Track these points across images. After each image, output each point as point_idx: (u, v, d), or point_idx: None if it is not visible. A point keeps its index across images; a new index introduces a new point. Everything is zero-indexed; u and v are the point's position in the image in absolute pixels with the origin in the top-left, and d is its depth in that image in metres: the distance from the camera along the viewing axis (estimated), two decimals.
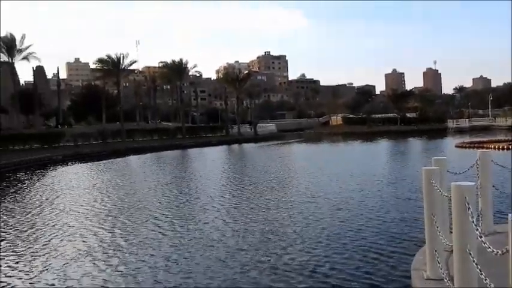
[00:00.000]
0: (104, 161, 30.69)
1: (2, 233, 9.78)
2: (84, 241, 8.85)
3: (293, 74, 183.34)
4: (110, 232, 9.57)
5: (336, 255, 7.31)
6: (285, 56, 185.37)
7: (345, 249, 7.64)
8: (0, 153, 32.48)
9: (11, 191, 17.40)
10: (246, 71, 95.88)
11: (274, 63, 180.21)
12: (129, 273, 6.83)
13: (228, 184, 17.11)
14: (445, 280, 4.33)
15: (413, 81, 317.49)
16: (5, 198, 15.21)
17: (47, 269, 7.13)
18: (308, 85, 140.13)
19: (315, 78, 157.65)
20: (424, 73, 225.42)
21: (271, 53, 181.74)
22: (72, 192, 16.18)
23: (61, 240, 9.05)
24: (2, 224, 10.81)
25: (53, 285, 6.46)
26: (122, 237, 9.07)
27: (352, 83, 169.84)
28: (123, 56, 57.26)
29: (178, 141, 53.14)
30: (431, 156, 4.63)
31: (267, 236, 8.70)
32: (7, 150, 34.96)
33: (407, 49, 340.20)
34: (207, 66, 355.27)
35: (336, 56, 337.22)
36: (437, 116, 72.21)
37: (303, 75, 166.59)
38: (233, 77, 71.97)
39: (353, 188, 14.44)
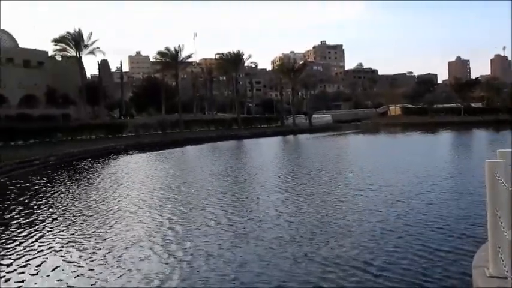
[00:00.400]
0: (163, 151, 31.83)
1: (71, 218, 10.44)
2: (143, 227, 9.24)
3: (350, 64, 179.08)
4: (168, 219, 9.92)
5: (392, 249, 7.13)
6: (341, 46, 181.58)
7: (401, 243, 7.43)
8: (69, 143, 34.71)
9: (78, 178, 18.53)
10: (301, 62, 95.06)
11: (330, 52, 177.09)
12: (184, 259, 7.07)
13: (283, 174, 17.14)
14: (509, 278, 4.10)
15: (480, 69, 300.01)
16: (72, 185, 16.22)
17: (109, 252, 7.55)
18: (365, 75, 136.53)
19: (373, 68, 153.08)
20: (491, 60, 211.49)
21: (327, 43, 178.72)
22: (133, 180, 16.92)
23: (123, 225, 9.53)
24: (70, 209, 11.54)
25: (112, 266, 6.82)
26: (179, 224, 9.38)
27: (412, 72, 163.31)
28: (180, 49, 58.86)
29: (234, 132, 53.93)
30: (497, 148, 4.35)
31: (322, 228, 8.65)
32: (76, 140, 37.27)
33: (473, 35, 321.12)
34: (262, 57, 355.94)
35: (395, 44, 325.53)
36: (505, 105, 67.61)
37: (360, 64, 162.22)
38: (288, 68, 71.65)
39: (412, 181, 13.96)
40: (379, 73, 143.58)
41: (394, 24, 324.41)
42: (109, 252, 7.50)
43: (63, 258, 7.35)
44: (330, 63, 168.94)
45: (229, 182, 15.65)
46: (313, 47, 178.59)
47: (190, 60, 75.86)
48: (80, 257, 7.34)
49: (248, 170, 19.26)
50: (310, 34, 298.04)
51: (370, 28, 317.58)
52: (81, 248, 7.81)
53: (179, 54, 58.67)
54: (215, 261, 6.92)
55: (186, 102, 74.07)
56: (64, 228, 9.42)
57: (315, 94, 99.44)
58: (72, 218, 10.33)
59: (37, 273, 6.64)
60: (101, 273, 6.55)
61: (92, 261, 7.11)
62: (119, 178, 17.69)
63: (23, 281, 6.36)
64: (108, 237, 8.51)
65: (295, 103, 74.97)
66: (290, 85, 73.08)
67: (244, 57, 67.62)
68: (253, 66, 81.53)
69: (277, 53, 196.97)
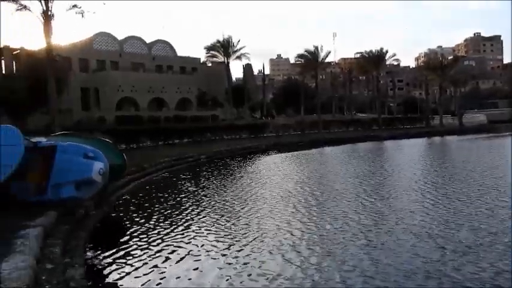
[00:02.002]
0: (301, 152, 32.46)
1: (211, 213, 11.38)
2: (278, 224, 9.58)
3: (509, 57, 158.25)
4: (306, 217, 10.14)
5: None
6: (499, 37, 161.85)
7: None
8: (217, 142, 37.80)
9: (225, 175, 20.03)
10: (450, 56, 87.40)
11: (485, 45, 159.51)
12: (328, 255, 7.19)
13: (428, 179, 16.04)
14: None
15: None
16: (220, 181, 17.61)
17: (246, 245, 8.05)
18: None
19: None
20: None
21: (481, 34, 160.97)
22: (273, 179, 17.60)
23: (260, 219, 10.08)
24: (213, 204, 12.58)
25: (246, 264, 7.25)
26: (317, 225, 9.52)
27: None
28: (320, 50, 59.24)
29: (374, 133, 52.26)
30: None
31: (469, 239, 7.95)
32: (223, 139, 40.44)
33: None
34: (405, 54, 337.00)
35: None
36: None
37: None
38: (436, 64, 66.72)
39: None
40: None
41: None
42: (246, 245, 8.00)
43: (211, 251, 8.07)
44: (485, 56, 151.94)
45: (370, 185, 15.25)
46: (465, 40, 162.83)
47: (329, 60, 75.84)
48: (225, 248, 7.98)
49: (391, 173, 18.50)
50: (460, 26, 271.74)
51: None
52: (219, 241, 8.49)
53: (319, 55, 59.12)
54: (364, 262, 6.88)
55: (325, 103, 74.23)
56: (215, 220, 10.32)
57: (466, 92, 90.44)
58: (212, 215, 11.22)
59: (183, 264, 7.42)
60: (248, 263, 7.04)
61: (238, 252, 7.67)
62: (260, 176, 18.60)
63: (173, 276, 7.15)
64: (248, 232, 9.06)
65: (443, 102, 69.29)
66: (437, 82, 67.89)
67: (387, 55, 64.97)
68: (396, 64, 77.57)
69: (422, 49, 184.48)
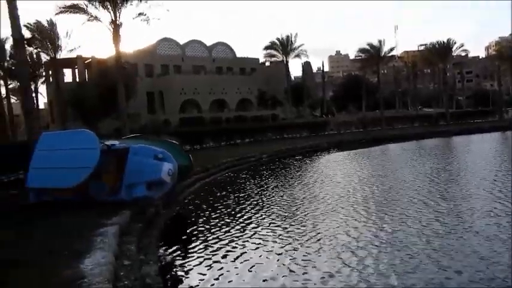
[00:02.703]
0: (364, 149, 31.69)
1: (270, 212, 11.42)
2: (335, 224, 9.42)
3: None
4: (365, 218, 9.89)
5: None
6: None
7: None
8: (278, 141, 37.92)
9: (288, 174, 20.03)
10: None
11: None
12: (385, 257, 6.99)
13: (502, 178, 15.00)
14: None
15: None
16: (277, 181, 17.64)
17: (304, 242, 8.00)
18: None
19: None
20: None
21: None
22: (332, 178, 17.32)
23: (317, 219, 9.98)
24: (273, 203, 12.62)
25: (300, 263, 7.19)
26: (376, 226, 9.24)
27: None
28: (382, 43, 57.50)
29: (441, 128, 49.83)
30: None
31: None
32: (283, 139, 40.52)
33: None
34: (474, 43, 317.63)
35: None
36: None
37: None
38: (509, 53, 62.23)
39: None
40: None
41: None
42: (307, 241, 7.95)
43: (276, 245, 8.11)
44: None
45: (436, 184, 14.55)
46: None
47: (391, 54, 73.41)
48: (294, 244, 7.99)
49: (461, 173, 17.56)
50: None
51: None
52: (293, 236, 8.50)
53: (381, 49, 57.40)
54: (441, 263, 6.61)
55: (388, 98, 71.89)
56: (273, 218, 10.38)
57: None
58: (274, 215, 11.26)
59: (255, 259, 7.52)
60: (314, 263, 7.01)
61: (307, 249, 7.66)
62: (322, 175, 18.42)
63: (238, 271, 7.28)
64: (312, 229, 9.00)
65: None
66: (510, 73, 63.41)
67: (455, 46, 61.64)
68: (464, 54, 73.34)
69: (492, 37, 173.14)
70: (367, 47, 58.35)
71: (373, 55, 57.97)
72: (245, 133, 39.29)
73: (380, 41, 57.43)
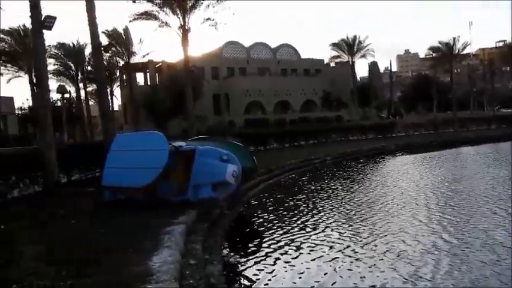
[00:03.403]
0: (435, 152, 30.17)
1: (332, 215, 11.20)
2: (393, 231, 9.02)
3: None
4: (427, 227, 9.37)
5: None
6: None
7: None
8: (343, 143, 37.27)
9: (352, 177, 19.61)
10: None
11: None
12: (444, 270, 6.59)
13: None
14: None
15: None
16: (340, 184, 17.30)
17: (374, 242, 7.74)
18: None
19: None
20: None
21: None
22: (397, 183, 16.66)
23: (375, 224, 9.61)
24: (335, 205, 12.39)
25: (353, 270, 6.95)
26: (437, 236, 8.66)
27: None
28: (455, 41, 54.60)
29: None
30: None
31: None
32: (348, 140, 39.73)
33: None
34: None
35: None
36: None
37: None
38: None
39: None
40: None
41: None
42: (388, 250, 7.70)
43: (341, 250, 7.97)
44: None
45: None
46: None
47: (465, 52, 69.45)
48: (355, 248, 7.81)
49: None
50: None
51: None
52: (357, 240, 8.31)
53: (454, 46, 54.50)
54: None
55: (461, 98, 68.00)
56: (334, 221, 10.20)
57: None
58: (342, 215, 11.04)
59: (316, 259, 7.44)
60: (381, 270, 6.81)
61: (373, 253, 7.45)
62: (388, 179, 17.81)
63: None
64: (385, 234, 8.72)
65: None
66: None
67: None
68: None
69: None
70: (439, 45, 55.70)
71: (445, 53, 55.23)
72: (309, 135, 38.98)
73: (453, 38, 54.57)
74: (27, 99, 47.25)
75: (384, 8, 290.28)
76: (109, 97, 39.59)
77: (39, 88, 15.42)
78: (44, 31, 14.60)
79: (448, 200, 12.61)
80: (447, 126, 50.22)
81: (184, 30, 27.41)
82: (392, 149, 33.90)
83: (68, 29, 61.01)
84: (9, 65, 40.92)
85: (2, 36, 39.45)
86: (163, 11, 27.48)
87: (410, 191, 14.47)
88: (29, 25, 17.99)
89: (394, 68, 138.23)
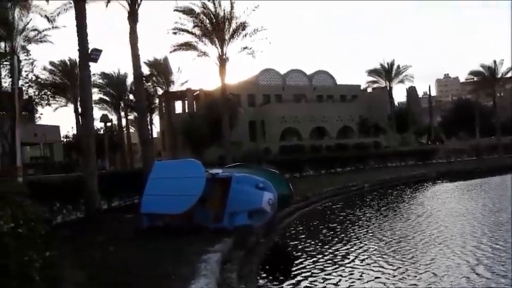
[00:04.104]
0: (478, 180, 28.98)
1: (370, 245, 10.89)
2: (425, 267, 8.62)
3: None
4: (467, 265, 8.85)
5: None
6: None
7: None
8: (381, 170, 36.50)
9: (391, 205, 19.10)
10: None
11: None
12: None
13: None
14: None
15: None
16: (379, 213, 16.87)
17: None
18: None
19: None
20: None
21: None
22: (437, 214, 15.93)
23: (410, 259, 9.30)
24: (372, 236, 12.05)
25: None
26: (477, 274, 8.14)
27: None
28: (497, 64, 53.10)
29: None
30: None
31: None
32: (387, 167, 38.88)
33: None
34: None
35: None
36: None
37: None
38: None
39: None
40: None
41: None
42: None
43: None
44: None
45: None
46: None
47: (509, 75, 67.29)
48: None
49: None
50: None
51: None
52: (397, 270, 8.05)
53: (496, 70, 52.97)
54: None
55: (506, 123, 65.40)
56: (372, 252, 9.92)
57: None
58: (379, 246, 10.73)
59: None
60: None
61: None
62: (429, 208, 17.22)
63: None
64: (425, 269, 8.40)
65: None
66: None
67: None
68: None
69: None
70: (480, 68, 54.29)
71: (487, 77, 53.68)
72: (346, 161, 38.43)
73: (495, 62, 53.08)
74: (72, 127, 49.45)
75: (424, 31, 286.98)
76: (148, 125, 40.82)
77: (83, 118, 16.15)
78: (90, 63, 15.42)
79: (487, 231, 12.00)
80: (491, 152, 48.31)
81: (222, 60, 28.11)
82: (433, 176, 32.86)
83: (112, 59, 64.11)
84: (57, 96, 43.10)
85: (52, 68, 41.80)
86: (202, 41, 28.37)
87: (448, 221, 13.90)
88: (73, 56, 19.05)
89: (434, 93, 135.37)
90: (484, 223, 13.25)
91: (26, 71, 26.73)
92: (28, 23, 25.83)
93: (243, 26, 27.99)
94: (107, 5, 18.24)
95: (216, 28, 27.71)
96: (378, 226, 13.80)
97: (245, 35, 28.20)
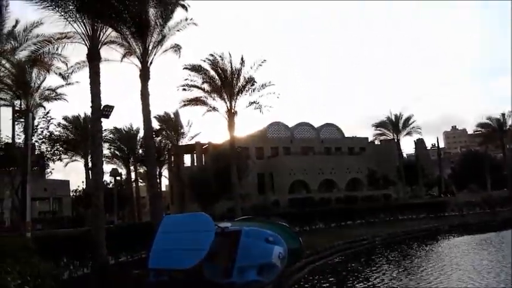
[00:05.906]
0: (492, 233, 28.23)
1: None
2: None
3: None
4: None
5: None
6: None
7: None
8: (391, 223, 35.79)
9: (402, 261, 18.58)
10: None
11: None
12: None
13: None
14: None
15: None
16: (390, 269, 16.38)
17: None
18: None
19: None
20: None
21: None
22: (450, 273, 15.36)
23: None
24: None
25: None
26: None
27: None
28: (505, 116, 53.39)
29: None
30: None
31: None
32: (397, 220, 38.11)
33: None
34: None
35: None
36: None
37: None
38: None
39: None
40: None
41: None
42: None
43: None
44: None
45: None
46: None
47: None
48: None
49: None
50: None
51: None
52: None
53: (504, 122, 53.19)
54: None
55: None
56: None
57: None
58: None
59: None
60: None
61: None
62: (444, 265, 16.70)
63: None
64: None
65: None
66: None
67: None
68: None
69: None
70: (487, 121, 54.56)
71: (495, 129, 53.79)
72: (356, 214, 37.79)
73: (503, 114, 53.40)
74: (83, 182, 49.72)
75: (429, 85, 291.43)
76: (158, 178, 40.84)
77: (93, 172, 16.27)
78: (102, 119, 15.79)
79: None
80: (504, 204, 47.34)
81: (231, 114, 28.61)
82: (446, 229, 32.17)
83: (124, 112, 65.29)
84: (69, 151, 43.65)
85: (66, 123, 42.68)
86: (211, 97, 29.01)
87: (469, 278, 13.47)
88: (86, 111, 19.45)
89: (442, 145, 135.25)
90: (500, 281, 12.79)
91: (41, 128, 27.33)
92: (43, 81, 26.70)
93: (251, 81, 28.69)
94: (120, 61, 18.95)
95: (225, 83, 28.45)
96: (387, 284, 13.36)
97: (253, 90, 28.85)
